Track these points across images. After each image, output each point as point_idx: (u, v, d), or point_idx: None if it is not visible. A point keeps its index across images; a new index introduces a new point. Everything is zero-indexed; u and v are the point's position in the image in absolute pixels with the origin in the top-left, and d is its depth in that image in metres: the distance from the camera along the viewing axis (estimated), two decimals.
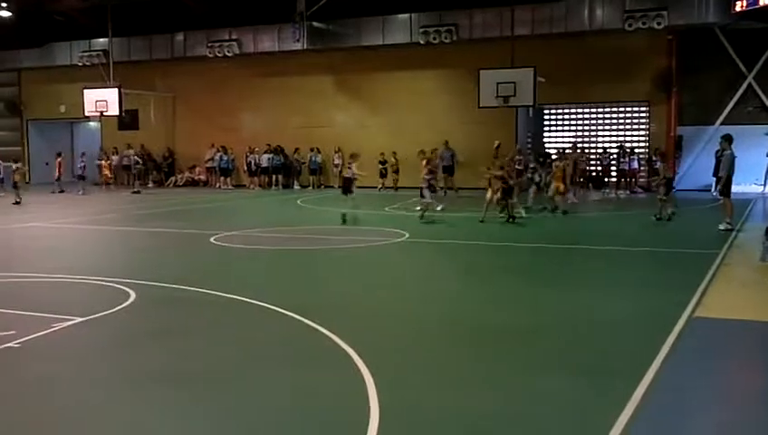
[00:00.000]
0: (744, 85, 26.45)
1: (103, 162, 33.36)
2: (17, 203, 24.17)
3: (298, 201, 24.86)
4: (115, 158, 34.15)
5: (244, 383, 6.21)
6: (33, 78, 37.24)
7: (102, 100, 30.62)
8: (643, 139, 28.51)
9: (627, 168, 27.35)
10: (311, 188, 30.84)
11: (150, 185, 33.50)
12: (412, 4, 28.52)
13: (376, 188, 28.27)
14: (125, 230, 17.91)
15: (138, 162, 32.65)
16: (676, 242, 14.71)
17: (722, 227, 15.59)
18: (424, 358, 7.05)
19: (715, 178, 20.88)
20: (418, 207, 18.54)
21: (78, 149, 38.02)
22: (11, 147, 35.72)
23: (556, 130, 30.89)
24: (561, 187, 19.61)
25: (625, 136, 29.08)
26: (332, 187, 30.04)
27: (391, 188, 28.78)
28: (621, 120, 29.48)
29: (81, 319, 8.29)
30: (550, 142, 30.30)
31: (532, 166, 22.30)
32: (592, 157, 29.03)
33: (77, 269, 11.75)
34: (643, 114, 28.62)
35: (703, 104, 26.87)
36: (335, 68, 31.17)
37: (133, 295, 9.51)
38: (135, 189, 29.98)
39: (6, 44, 35.18)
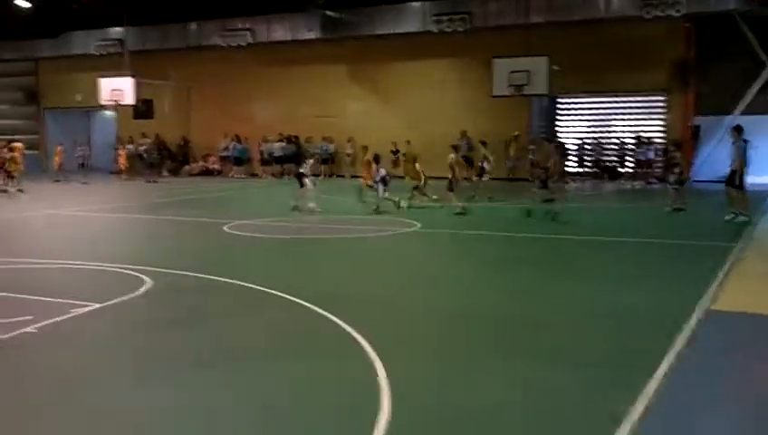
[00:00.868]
0: (765, 74, 26.02)
1: (120, 151, 33.47)
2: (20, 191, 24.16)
3: None
4: (130, 147, 34.28)
5: (258, 368, 6.26)
6: (50, 67, 37.45)
7: (118, 89, 30.81)
8: (660, 129, 28.23)
9: (643, 158, 27.16)
10: (322, 177, 30.80)
11: (165, 174, 33.63)
12: None
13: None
14: (139, 218, 17.99)
15: (153, 152, 32.77)
16: (691, 234, 14.58)
17: (727, 217, 15.47)
18: (436, 348, 7.06)
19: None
20: (374, 204, 18.19)
21: (94, 138, 38.33)
22: (29, 135, 35.98)
23: (570, 120, 30.68)
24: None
25: (641, 126, 28.82)
26: (343, 176, 30.06)
27: (402, 177, 28.58)
28: (637, 110, 29.20)
29: (98, 305, 8.36)
30: (563, 132, 30.10)
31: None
32: (607, 147, 28.86)
33: (93, 256, 11.82)
34: (660, 104, 28.33)
35: (721, 94, 26.40)
36: (348, 57, 31.11)
37: (149, 282, 9.58)
38: (150, 178, 30.10)
39: (24, 34, 35.42)
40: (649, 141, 27.27)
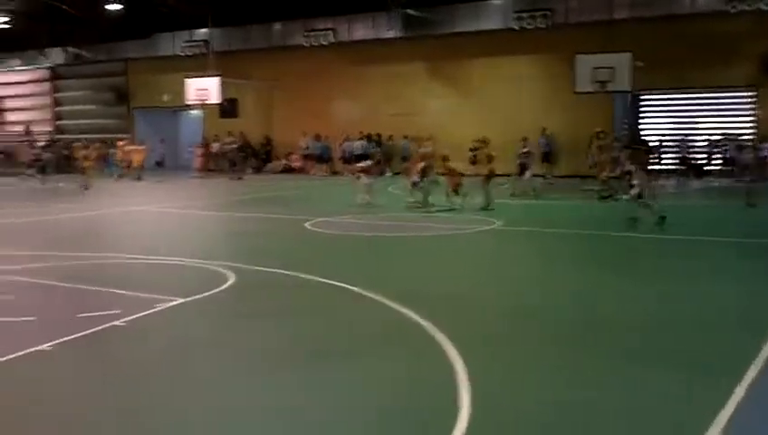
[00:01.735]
0: None
1: (197, 150, 34.09)
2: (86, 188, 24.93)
3: (389, 188, 25.01)
4: (216, 145, 35.12)
5: (344, 367, 6.39)
6: (139, 68, 38.73)
7: (203, 89, 31.66)
8: (749, 126, 27.25)
9: (734, 156, 26.23)
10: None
11: (249, 171, 34.34)
12: None
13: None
14: (224, 215, 18.52)
15: (237, 151, 33.49)
16: None
17: None
18: (517, 348, 7.07)
19: None
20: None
21: (182, 137, 39.41)
22: (118, 134, 37.32)
23: (653, 117, 29.93)
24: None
25: (729, 122, 27.86)
26: None
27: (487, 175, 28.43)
28: (724, 106, 28.26)
29: (182, 299, 8.63)
30: (647, 130, 29.41)
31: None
32: (692, 145, 28.06)
33: (177, 251, 12.25)
34: (749, 100, 27.37)
35: None
36: (429, 55, 31.13)
37: (233, 278, 9.84)
38: (234, 176, 30.81)
39: (115, 36, 36.83)
40: (736, 138, 26.35)
